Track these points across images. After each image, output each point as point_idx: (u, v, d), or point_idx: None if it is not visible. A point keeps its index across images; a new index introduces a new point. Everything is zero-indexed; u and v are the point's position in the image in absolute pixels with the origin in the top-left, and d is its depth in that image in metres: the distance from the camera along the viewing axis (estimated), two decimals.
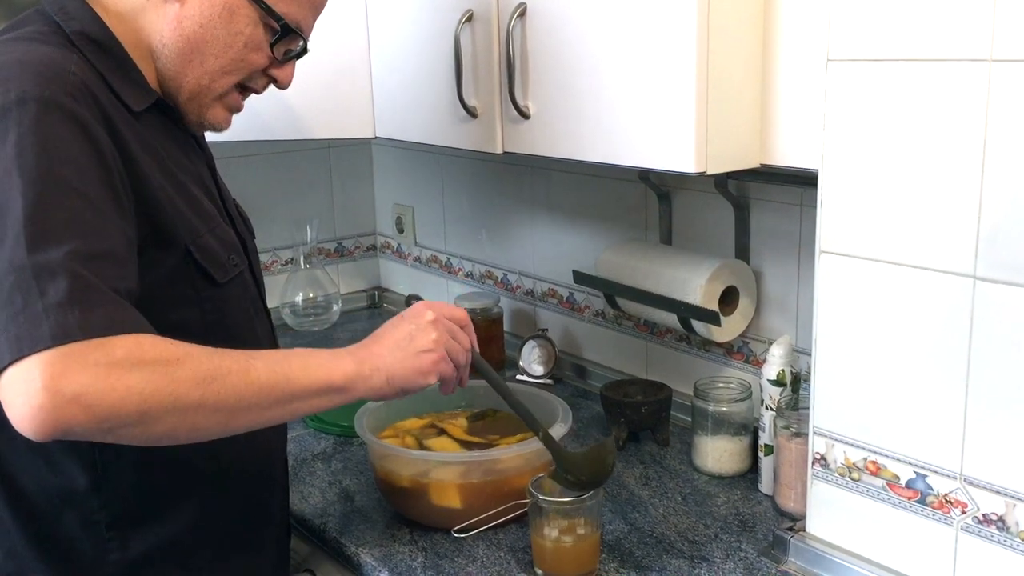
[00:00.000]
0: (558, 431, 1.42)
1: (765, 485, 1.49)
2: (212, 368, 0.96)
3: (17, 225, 0.92)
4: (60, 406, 0.87)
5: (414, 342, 1.11)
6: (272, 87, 1.25)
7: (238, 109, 1.24)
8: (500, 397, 1.28)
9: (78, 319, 0.89)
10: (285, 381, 1.01)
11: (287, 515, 1.39)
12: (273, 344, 1.32)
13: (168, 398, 0.92)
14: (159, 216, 1.07)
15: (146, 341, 0.93)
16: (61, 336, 0.88)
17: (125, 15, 1.14)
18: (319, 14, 1.24)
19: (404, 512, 1.44)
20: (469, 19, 1.51)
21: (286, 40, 1.19)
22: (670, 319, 1.66)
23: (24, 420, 0.88)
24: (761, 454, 1.49)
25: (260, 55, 1.18)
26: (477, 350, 1.21)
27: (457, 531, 1.35)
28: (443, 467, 1.40)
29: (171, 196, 1.10)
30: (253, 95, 1.26)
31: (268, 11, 1.15)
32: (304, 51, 1.23)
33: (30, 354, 0.88)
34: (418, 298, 1.16)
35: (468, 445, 1.49)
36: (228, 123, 1.24)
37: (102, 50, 1.10)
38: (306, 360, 1.04)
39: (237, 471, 1.22)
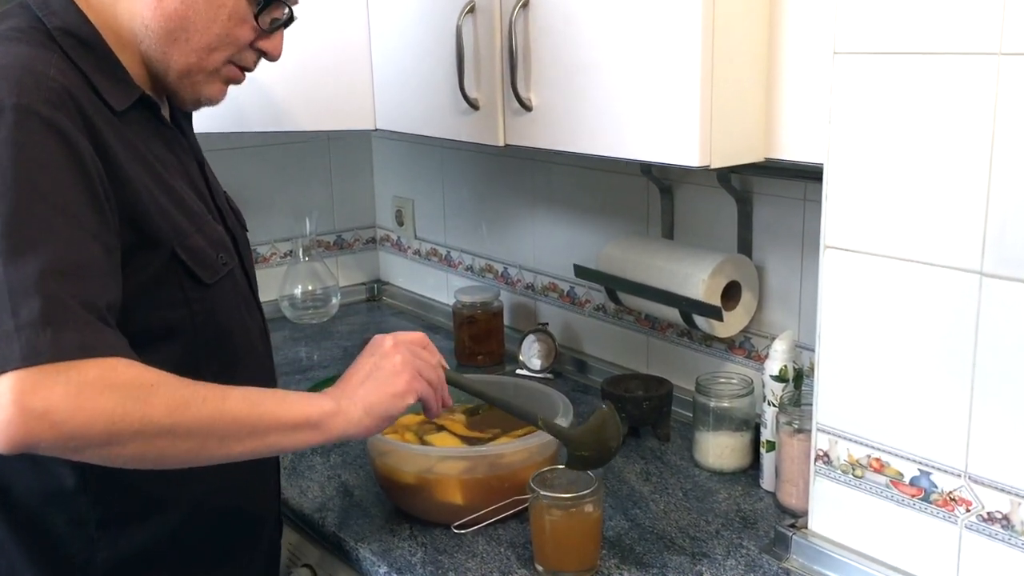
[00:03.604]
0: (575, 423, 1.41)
1: (767, 481, 1.48)
2: (186, 395, 0.96)
3: None
4: (27, 422, 0.87)
5: (382, 368, 1.12)
6: (265, 62, 1.22)
7: (236, 82, 1.21)
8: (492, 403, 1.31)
9: (49, 340, 0.89)
10: (259, 414, 1.01)
11: (279, 510, 1.38)
12: (265, 340, 1.30)
13: (137, 423, 0.92)
14: (144, 219, 1.06)
15: (120, 364, 0.93)
16: (31, 356, 0.88)
17: (104, 3, 1.11)
18: None
19: (404, 507, 1.43)
20: (471, 10, 1.50)
21: (270, 9, 1.17)
22: (672, 314, 1.66)
23: None
24: (763, 450, 1.48)
25: (245, 28, 1.15)
26: (446, 366, 1.20)
27: (457, 527, 1.34)
28: (447, 462, 1.39)
29: (156, 197, 1.08)
30: (254, 73, 1.23)
31: None
32: (291, 19, 1.20)
33: (1, 372, 0.88)
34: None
35: (470, 440, 1.48)
36: (224, 95, 1.21)
37: (84, 46, 1.08)
38: (284, 395, 1.05)
39: (227, 468, 1.20)
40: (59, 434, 0.89)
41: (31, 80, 0.99)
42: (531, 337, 1.98)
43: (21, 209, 0.93)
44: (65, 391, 0.89)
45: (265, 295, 2.22)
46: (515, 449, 1.39)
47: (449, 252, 2.34)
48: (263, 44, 1.19)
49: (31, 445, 0.89)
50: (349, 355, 1.26)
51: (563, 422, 1.41)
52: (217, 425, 0.98)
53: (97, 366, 0.91)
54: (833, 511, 1.23)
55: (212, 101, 1.20)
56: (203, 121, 1.31)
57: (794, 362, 1.45)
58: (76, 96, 1.02)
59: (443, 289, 2.36)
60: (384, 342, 1.15)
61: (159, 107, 1.17)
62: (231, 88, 1.23)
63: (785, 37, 1.23)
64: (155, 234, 1.07)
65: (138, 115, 1.12)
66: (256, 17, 1.16)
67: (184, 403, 0.95)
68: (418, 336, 1.19)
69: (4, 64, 1.00)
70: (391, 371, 1.12)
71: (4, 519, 1.12)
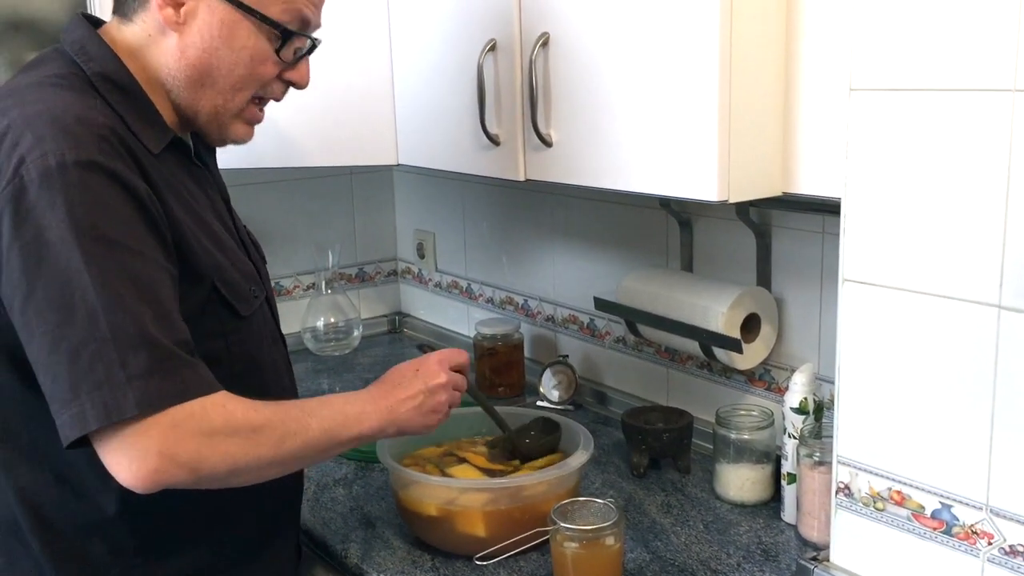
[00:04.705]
0: (579, 459, 1.42)
1: (788, 514, 1.48)
2: (284, 432, 1.08)
3: (87, 295, 0.97)
4: (172, 469, 0.99)
5: (426, 403, 1.25)
6: (293, 90, 1.24)
7: (258, 121, 1.24)
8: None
9: (159, 388, 0.98)
10: (331, 436, 1.14)
11: (299, 529, 1.41)
12: (289, 371, 1.34)
13: (253, 460, 1.06)
14: (189, 254, 1.09)
15: (235, 408, 1.04)
16: (145, 405, 0.97)
17: (135, 52, 1.15)
18: (323, 2, 1.22)
19: (427, 539, 1.44)
20: (492, 48, 1.52)
21: (292, 42, 1.18)
22: (691, 346, 1.66)
23: (135, 478, 0.99)
24: (784, 483, 1.48)
25: (268, 65, 1.17)
26: (471, 382, 1.37)
27: (479, 558, 1.35)
28: (470, 494, 1.40)
29: (196, 234, 1.12)
30: (278, 110, 1.26)
31: (264, 20, 1.14)
32: (314, 47, 1.22)
33: (119, 421, 0.96)
34: (431, 348, 1.35)
35: (491, 472, 1.49)
36: (250, 136, 1.24)
37: (122, 92, 1.11)
38: (345, 413, 1.17)
39: (262, 491, 1.21)
40: (195, 477, 1.01)
41: (84, 130, 1.02)
42: (551, 369, 1.99)
43: (108, 263, 0.98)
44: (201, 441, 1.01)
45: (288, 327, 2.24)
46: (536, 481, 1.40)
47: (470, 285, 2.36)
48: (289, 75, 1.21)
49: (164, 487, 1.00)
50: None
51: (583, 455, 1.43)
52: (303, 452, 1.11)
53: (218, 413, 1.02)
54: (855, 544, 1.23)
55: (239, 141, 1.23)
56: (231, 157, 1.34)
57: (814, 394, 1.45)
58: (125, 139, 1.05)
59: (464, 321, 2.38)
60: (438, 376, 1.27)
61: (190, 148, 1.20)
62: (258, 126, 1.25)
63: (801, 74, 1.25)
64: (199, 269, 1.11)
65: (171, 156, 1.15)
66: (277, 52, 1.17)
67: (282, 439, 1.08)
68: (463, 360, 1.33)
69: (58, 116, 1.02)
70: (432, 408, 1.26)
71: (45, 549, 1.14)
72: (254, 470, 1.07)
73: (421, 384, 1.25)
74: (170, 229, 1.07)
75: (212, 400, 1.02)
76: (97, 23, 1.18)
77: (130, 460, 0.98)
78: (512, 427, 1.54)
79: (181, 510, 1.15)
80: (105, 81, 1.11)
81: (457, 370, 1.31)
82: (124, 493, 1.10)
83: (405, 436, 1.28)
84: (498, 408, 1.56)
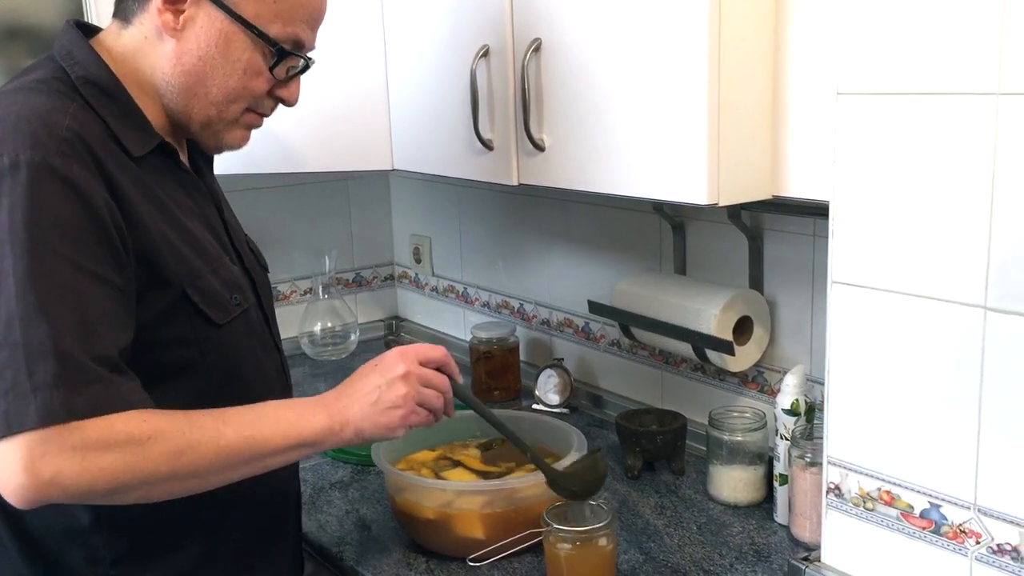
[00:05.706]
0: (573, 460, 1.43)
1: (780, 515, 1.49)
2: (182, 443, 1.01)
3: (9, 299, 0.96)
4: (39, 487, 0.95)
5: (382, 398, 1.15)
6: (282, 106, 1.24)
7: (256, 126, 1.24)
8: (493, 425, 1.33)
9: (63, 401, 0.95)
10: (255, 442, 1.06)
11: (299, 540, 1.39)
12: (283, 381, 1.31)
13: (139, 474, 0.99)
14: (157, 261, 1.08)
15: (118, 422, 0.98)
16: (46, 416, 0.94)
17: (126, 57, 1.15)
18: (319, 25, 1.23)
19: (422, 542, 1.45)
20: (485, 54, 1.54)
21: (286, 61, 1.19)
22: (685, 348, 1.67)
23: (9, 494, 0.97)
24: (776, 484, 1.49)
25: (261, 79, 1.18)
26: (460, 381, 1.24)
27: (473, 560, 1.36)
28: (466, 497, 1.41)
29: (170, 240, 1.11)
30: (275, 117, 1.26)
31: (262, 36, 1.15)
32: (307, 66, 1.22)
33: (19, 432, 0.94)
34: (397, 343, 1.20)
35: (485, 475, 1.50)
36: (246, 140, 1.24)
37: (106, 95, 1.12)
38: (278, 417, 1.09)
39: (245, 502, 1.21)
40: (68, 494, 0.97)
41: (45, 132, 1.02)
42: (547, 372, 2.00)
43: (37, 269, 0.97)
44: (71, 456, 0.95)
45: (285, 332, 2.24)
46: (532, 483, 1.41)
47: (466, 289, 2.37)
48: (280, 92, 1.22)
49: (44, 503, 0.97)
50: None
51: (574, 456, 1.43)
52: (216, 463, 1.04)
53: (98, 427, 0.97)
54: (845, 544, 1.24)
55: (234, 146, 1.23)
56: (228, 163, 1.35)
57: (806, 396, 1.46)
58: (89, 143, 1.05)
59: (460, 325, 2.39)
60: (396, 367, 1.17)
61: (177, 153, 1.20)
62: (254, 131, 1.26)
63: (790, 78, 1.26)
64: (166, 275, 1.09)
65: (156, 160, 1.15)
66: (271, 69, 1.18)
67: (181, 451, 1.01)
68: (436, 355, 1.21)
69: (22, 116, 1.03)
70: (390, 403, 1.15)
71: (22, 556, 1.14)
72: (147, 485, 1.00)
73: (378, 379, 1.15)
74: (134, 235, 1.05)
75: (104, 417, 0.97)
76: (91, 30, 1.19)
77: (2, 473, 0.96)
78: (512, 431, 1.35)
79: (160, 522, 1.13)
80: (89, 85, 1.11)
81: (437, 368, 1.21)
82: (96, 505, 1.09)
83: (376, 442, 1.16)
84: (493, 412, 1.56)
